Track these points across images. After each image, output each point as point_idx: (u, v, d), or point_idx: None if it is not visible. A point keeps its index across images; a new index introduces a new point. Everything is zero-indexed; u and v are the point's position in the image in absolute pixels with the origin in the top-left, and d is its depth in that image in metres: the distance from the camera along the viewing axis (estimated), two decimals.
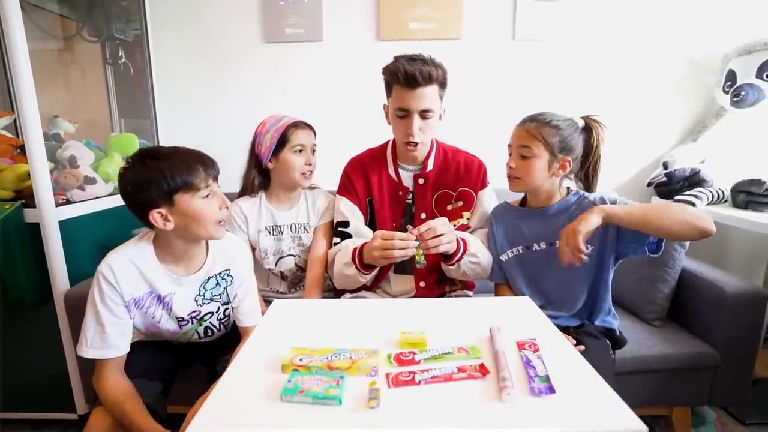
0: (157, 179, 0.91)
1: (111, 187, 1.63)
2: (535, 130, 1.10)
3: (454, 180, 1.30)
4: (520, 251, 1.21)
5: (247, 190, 1.39)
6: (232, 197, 1.42)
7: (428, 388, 0.68)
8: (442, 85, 1.18)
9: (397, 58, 1.18)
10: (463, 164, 1.31)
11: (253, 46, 1.90)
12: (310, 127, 1.38)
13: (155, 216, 0.93)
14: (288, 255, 1.41)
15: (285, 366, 0.72)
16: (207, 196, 0.97)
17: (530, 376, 0.69)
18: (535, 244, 1.18)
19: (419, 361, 0.74)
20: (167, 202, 0.93)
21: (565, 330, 1.11)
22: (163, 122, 1.96)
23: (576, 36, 1.89)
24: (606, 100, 1.93)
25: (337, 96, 1.93)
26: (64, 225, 1.39)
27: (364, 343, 0.80)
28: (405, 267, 1.31)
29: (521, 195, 1.26)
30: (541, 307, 1.15)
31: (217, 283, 1.08)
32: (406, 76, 1.12)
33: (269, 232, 1.40)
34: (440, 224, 1.07)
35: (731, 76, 1.74)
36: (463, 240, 1.18)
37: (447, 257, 1.17)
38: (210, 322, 1.12)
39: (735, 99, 1.68)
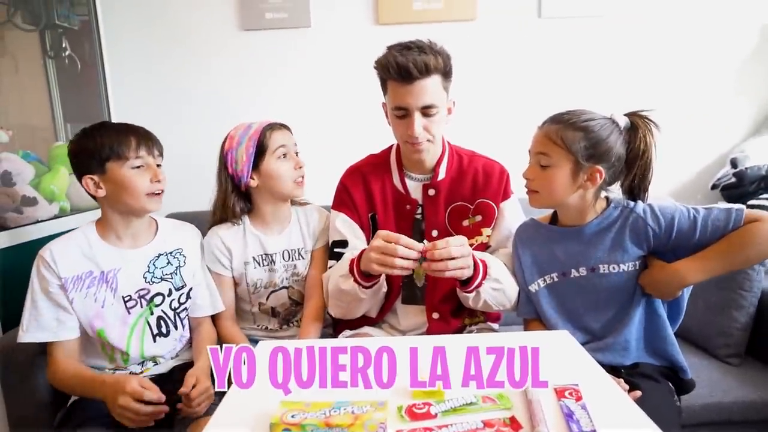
0: (90, 147, 1.16)
1: (56, 208, 1.66)
2: (556, 134, 1.09)
3: (471, 190, 1.31)
4: (555, 279, 1.21)
5: (228, 220, 1.42)
6: (205, 216, 1.46)
7: None
8: (446, 74, 1.20)
9: (389, 49, 1.20)
10: (482, 171, 1.33)
11: (228, 34, 1.96)
12: (285, 126, 1.42)
13: (87, 182, 1.18)
14: (281, 288, 1.44)
15: (274, 425, 0.73)
16: (139, 167, 1.19)
17: (572, 431, 0.70)
18: (573, 271, 1.18)
19: (436, 414, 0.75)
20: (99, 169, 1.17)
21: (615, 371, 1.11)
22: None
23: (617, 10, 1.93)
24: (656, 86, 1.96)
25: (329, 92, 1.98)
26: None
27: (370, 393, 0.81)
28: (415, 296, 1.32)
29: (549, 210, 1.26)
30: (584, 344, 1.16)
31: (168, 262, 1.30)
32: (399, 69, 1.14)
33: (259, 263, 1.43)
34: (456, 245, 1.07)
35: None
36: (483, 262, 1.18)
37: (464, 283, 1.17)
38: (162, 310, 1.28)
39: None
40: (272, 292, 1.44)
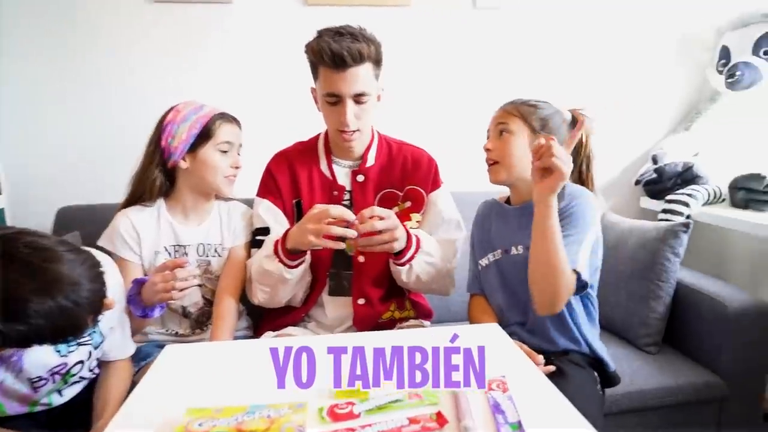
0: None
1: None
2: (514, 108, 1.22)
3: (400, 177, 1.35)
4: (499, 256, 1.25)
5: (144, 195, 1.32)
6: (110, 209, 1.35)
7: None
8: (377, 62, 1.23)
9: (320, 34, 1.21)
10: (411, 159, 1.37)
11: (135, 6, 1.79)
12: (237, 122, 1.38)
13: None
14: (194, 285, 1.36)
15: None
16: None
17: (499, 423, 0.69)
18: (513, 248, 1.21)
19: (359, 413, 0.72)
20: None
21: (545, 355, 1.14)
22: (5, 109, 1.78)
23: (549, 5, 1.98)
24: (584, 84, 2.04)
25: (252, 77, 1.89)
26: None
27: (288, 395, 0.77)
28: (342, 287, 1.33)
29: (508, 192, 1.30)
30: (521, 324, 1.21)
31: None
32: (333, 56, 1.15)
33: (170, 254, 1.35)
34: (381, 211, 1.11)
35: (725, 53, 1.89)
36: (417, 237, 1.23)
37: (397, 254, 1.21)
38: (80, 376, 1.06)
39: (729, 80, 1.83)
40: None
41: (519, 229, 1.20)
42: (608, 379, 1.23)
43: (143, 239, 1.31)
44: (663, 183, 1.92)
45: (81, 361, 1.05)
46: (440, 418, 0.71)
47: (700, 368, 1.47)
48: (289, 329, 1.32)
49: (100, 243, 1.29)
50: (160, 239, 1.33)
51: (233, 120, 1.36)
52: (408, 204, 1.34)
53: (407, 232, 1.19)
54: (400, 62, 1.87)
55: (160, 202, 1.35)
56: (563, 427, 0.71)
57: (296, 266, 1.20)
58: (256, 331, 1.43)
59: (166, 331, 1.38)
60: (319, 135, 1.40)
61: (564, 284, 1.04)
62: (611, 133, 2.01)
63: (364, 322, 1.32)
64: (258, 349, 0.99)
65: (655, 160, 1.95)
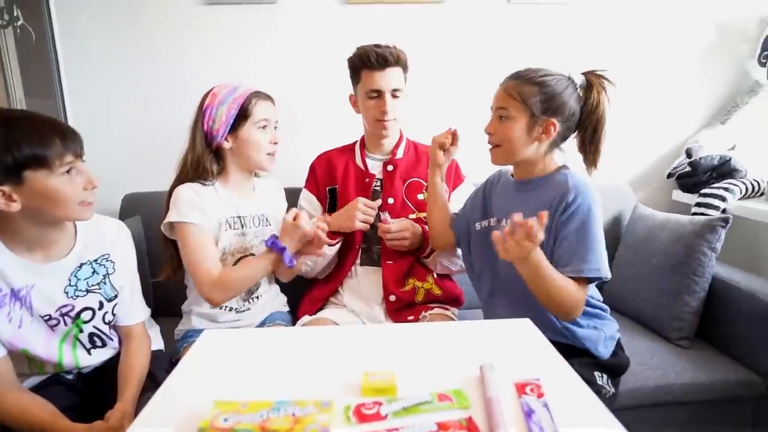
0: None
1: None
2: (513, 89, 1.10)
3: (425, 170, 1.42)
4: (493, 224, 1.20)
5: (201, 176, 1.27)
6: (161, 197, 1.30)
7: None
8: (406, 68, 1.38)
9: (361, 47, 1.35)
10: None
11: (190, 8, 1.76)
12: (271, 99, 1.34)
13: None
14: (250, 255, 1.33)
15: (202, 430, 0.61)
16: (69, 171, 0.93)
17: None
18: (505, 219, 1.17)
19: (386, 415, 0.65)
20: (13, 178, 0.89)
21: None
22: (74, 104, 1.80)
23: None
24: (618, 75, 1.80)
25: (296, 72, 1.81)
26: None
27: (315, 390, 0.71)
28: (373, 258, 1.42)
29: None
30: (490, 293, 1.23)
31: (94, 271, 1.06)
32: (377, 57, 1.31)
33: (230, 226, 1.30)
34: (397, 228, 1.32)
35: None
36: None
37: (418, 249, 1.39)
38: (94, 326, 1.07)
39: None
40: (242, 258, 1.31)
41: (515, 202, 1.15)
42: (613, 368, 1.14)
43: (207, 211, 1.25)
44: (698, 176, 1.76)
45: (91, 309, 1.06)
46: (471, 425, 0.62)
47: (736, 365, 1.33)
48: (326, 312, 1.38)
49: (167, 221, 1.22)
50: (222, 212, 1.28)
51: (267, 97, 1.32)
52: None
53: (424, 232, 1.37)
54: (434, 59, 1.79)
55: (215, 181, 1.30)
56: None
57: (335, 244, 1.36)
58: (294, 314, 1.46)
59: (222, 307, 1.31)
60: (356, 141, 1.51)
61: (573, 303, 1.02)
62: (642, 123, 1.89)
63: (391, 286, 1.37)
64: (292, 338, 0.94)
65: (689, 154, 1.79)
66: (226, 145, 1.27)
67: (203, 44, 1.79)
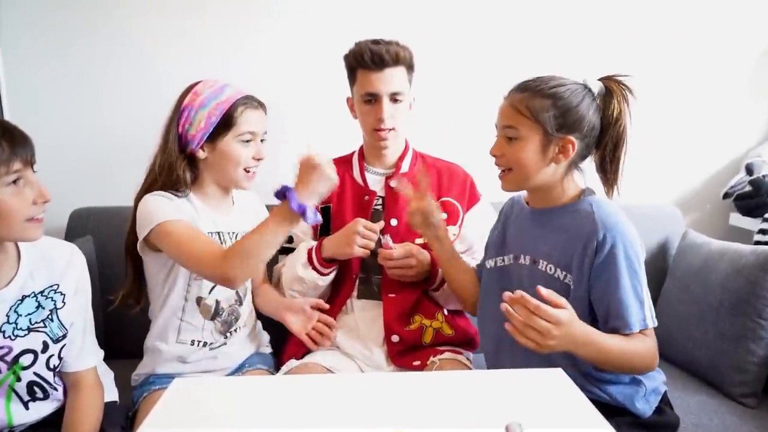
0: None
1: None
2: (521, 103, 0.99)
3: (435, 188, 1.33)
4: (509, 262, 1.10)
5: (174, 185, 1.15)
6: (125, 212, 1.19)
7: None
8: (410, 67, 1.28)
9: (357, 43, 1.27)
10: (446, 172, 1.37)
11: None
12: (263, 107, 1.22)
13: None
14: None
15: None
16: (15, 182, 0.84)
17: None
18: (522, 256, 1.07)
19: None
20: None
21: None
22: (12, 105, 1.64)
23: (641, 5, 1.72)
24: (665, 84, 1.76)
25: (284, 71, 1.69)
26: None
27: None
28: (372, 291, 1.31)
29: None
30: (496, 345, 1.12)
31: (39, 305, 0.95)
32: (372, 56, 1.21)
33: None
34: (413, 251, 1.22)
35: None
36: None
37: (426, 281, 1.28)
38: (35, 372, 0.94)
39: None
40: None
41: (531, 235, 1.07)
42: (654, 428, 1.01)
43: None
44: (761, 197, 1.61)
45: (33, 352, 0.93)
46: None
47: None
48: (315, 356, 1.25)
49: (150, 228, 1.08)
50: (201, 227, 1.15)
51: (258, 105, 1.19)
52: (444, 216, 1.25)
53: (433, 259, 1.23)
54: (445, 55, 1.71)
55: (188, 192, 1.19)
56: None
57: (329, 274, 1.26)
58: (277, 356, 1.36)
59: (189, 342, 1.20)
60: (354, 151, 1.41)
61: (646, 363, 0.97)
62: (693, 138, 1.77)
63: (393, 324, 1.26)
64: (276, 389, 0.88)
65: (749, 170, 1.66)
66: (201, 154, 1.16)
67: (173, 34, 1.64)
